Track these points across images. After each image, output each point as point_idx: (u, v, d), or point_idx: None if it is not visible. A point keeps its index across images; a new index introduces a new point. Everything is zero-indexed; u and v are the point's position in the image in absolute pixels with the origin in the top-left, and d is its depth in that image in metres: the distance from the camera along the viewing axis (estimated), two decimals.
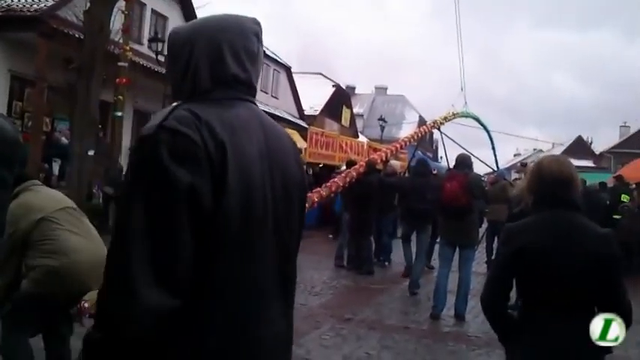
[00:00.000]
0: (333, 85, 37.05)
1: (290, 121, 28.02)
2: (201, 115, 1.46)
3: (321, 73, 38.38)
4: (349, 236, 11.88)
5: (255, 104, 1.67)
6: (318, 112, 33.50)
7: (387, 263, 12.70)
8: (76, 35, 13.86)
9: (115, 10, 13.66)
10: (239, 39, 1.60)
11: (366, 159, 13.60)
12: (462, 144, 15.82)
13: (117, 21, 13.96)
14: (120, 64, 13.49)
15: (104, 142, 16.13)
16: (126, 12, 13.79)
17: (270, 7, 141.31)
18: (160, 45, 17.45)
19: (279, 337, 1.61)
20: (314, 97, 33.54)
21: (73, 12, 14.58)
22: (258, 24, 1.66)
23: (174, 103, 1.53)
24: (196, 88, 1.57)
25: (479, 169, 13.90)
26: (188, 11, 22.41)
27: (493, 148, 22.08)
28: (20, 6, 15.75)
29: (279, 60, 30.83)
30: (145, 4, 19.89)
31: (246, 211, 1.47)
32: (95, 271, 3.77)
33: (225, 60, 1.57)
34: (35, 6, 15.63)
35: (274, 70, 30.39)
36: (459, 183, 8.01)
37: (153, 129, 1.42)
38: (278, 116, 25.30)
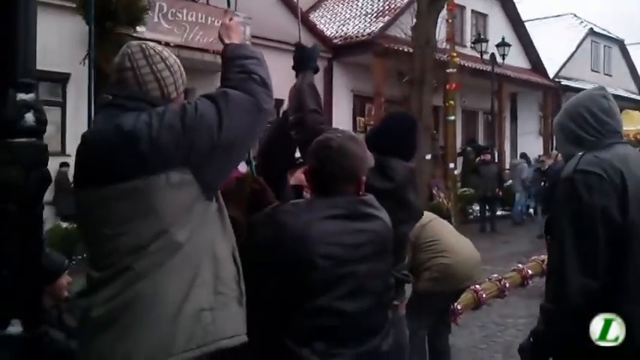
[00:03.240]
0: None
1: (627, 98, 25.66)
2: (601, 156, 2.08)
3: None
4: None
5: (629, 144, 2.29)
6: None
7: None
8: (406, 50, 14.95)
9: (439, 19, 14.38)
10: (596, 103, 2.23)
11: None
12: None
13: (441, 30, 14.66)
14: (448, 70, 14.10)
15: (437, 144, 16.99)
16: (449, 20, 14.35)
17: None
18: (483, 45, 17.69)
19: None
20: None
21: (401, 29, 15.80)
22: (602, 88, 2.34)
23: (580, 153, 2.12)
24: (589, 139, 2.18)
25: None
26: (508, 6, 22.28)
27: None
28: (355, 32, 17.70)
29: (608, 35, 28.48)
30: (465, 7, 20.31)
31: None
32: (476, 268, 4.19)
33: (597, 116, 2.20)
34: (367, 30, 17.40)
35: (605, 46, 28.24)
36: None
37: (570, 173, 2.07)
38: (614, 94, 23.32)
